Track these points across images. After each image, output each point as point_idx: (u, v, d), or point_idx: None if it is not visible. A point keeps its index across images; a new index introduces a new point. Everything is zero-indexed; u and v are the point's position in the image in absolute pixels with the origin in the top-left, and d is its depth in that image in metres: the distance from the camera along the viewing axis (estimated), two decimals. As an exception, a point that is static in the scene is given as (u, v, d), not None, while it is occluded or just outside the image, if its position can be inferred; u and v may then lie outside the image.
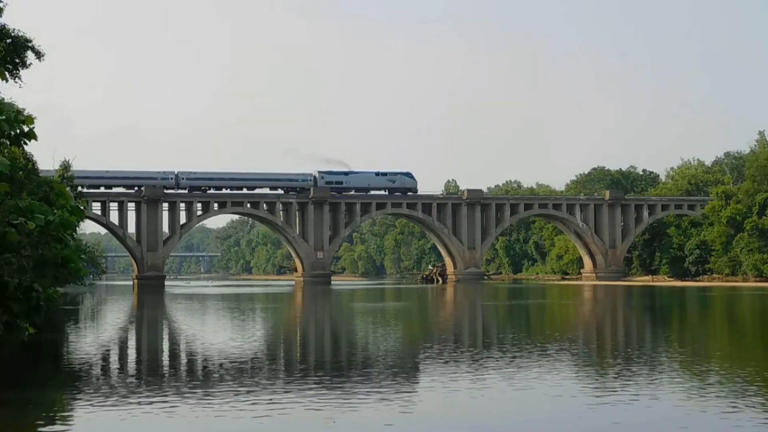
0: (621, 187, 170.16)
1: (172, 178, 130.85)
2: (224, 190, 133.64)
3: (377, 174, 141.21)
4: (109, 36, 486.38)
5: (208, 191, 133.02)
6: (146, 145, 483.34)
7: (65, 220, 11.78)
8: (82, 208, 11.70)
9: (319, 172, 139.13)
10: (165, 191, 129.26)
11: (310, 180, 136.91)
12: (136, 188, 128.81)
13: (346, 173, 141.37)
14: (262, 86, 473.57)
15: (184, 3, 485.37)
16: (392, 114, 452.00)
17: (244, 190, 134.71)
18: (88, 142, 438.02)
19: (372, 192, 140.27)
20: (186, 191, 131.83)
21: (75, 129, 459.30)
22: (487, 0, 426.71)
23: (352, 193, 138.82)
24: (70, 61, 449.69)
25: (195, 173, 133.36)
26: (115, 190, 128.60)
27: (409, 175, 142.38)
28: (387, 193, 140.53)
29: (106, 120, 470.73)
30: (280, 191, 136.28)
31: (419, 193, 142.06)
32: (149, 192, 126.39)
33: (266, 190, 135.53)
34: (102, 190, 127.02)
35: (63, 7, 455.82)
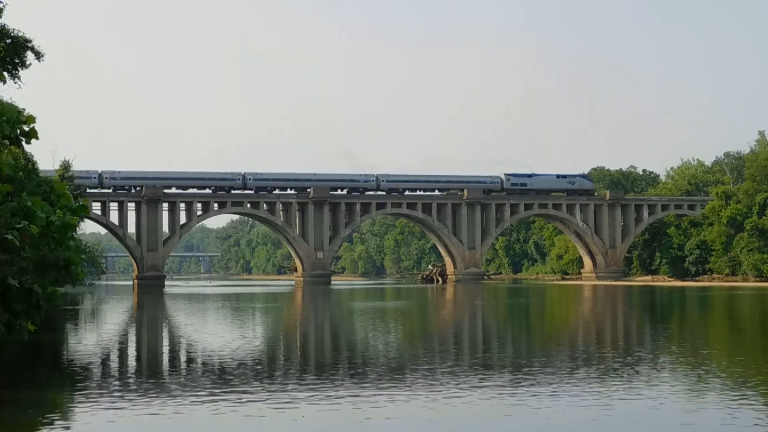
0: (621, 187, 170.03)
1: (373, 180, 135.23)
2: (405, 192, 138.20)
3: (558, 176, 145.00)
4: (111, 38, 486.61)
5: (405, 192, 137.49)
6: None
7: (66, 222, 11.76)
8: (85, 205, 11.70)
9: (506, 174, 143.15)
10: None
11: (498, 182, 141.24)
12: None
13: (529, 175, 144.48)
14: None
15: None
16: (382, 109, 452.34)
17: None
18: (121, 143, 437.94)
19: (553, 194, 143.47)
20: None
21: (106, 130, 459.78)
22: (486, 0, 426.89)
23: (535, 194, 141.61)
24: (71, 61, 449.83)
25: (393, 176, 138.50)
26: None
27: (586, 177, 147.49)
28: (566, 194, 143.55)
29: (139, 121, 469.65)
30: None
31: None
32: (149, 192, 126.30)
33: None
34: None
35: (63, 7, 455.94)
